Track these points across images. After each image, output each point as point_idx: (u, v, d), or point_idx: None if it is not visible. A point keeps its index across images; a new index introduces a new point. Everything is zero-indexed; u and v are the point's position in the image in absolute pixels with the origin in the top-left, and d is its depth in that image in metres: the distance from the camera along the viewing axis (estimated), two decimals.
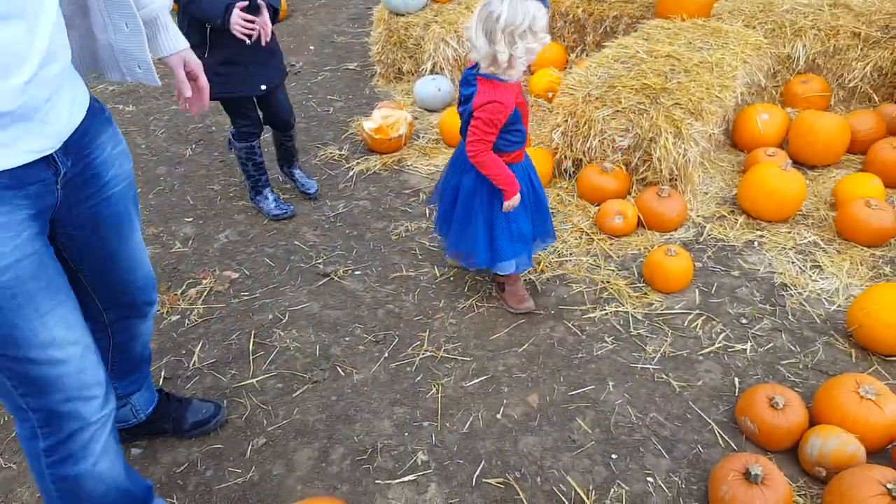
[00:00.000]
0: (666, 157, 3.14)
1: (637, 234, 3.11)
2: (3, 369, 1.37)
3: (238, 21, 2.64)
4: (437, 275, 2.94)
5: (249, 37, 2.70)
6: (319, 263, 3.06)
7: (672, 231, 3.11)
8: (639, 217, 3.11)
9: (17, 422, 1.49)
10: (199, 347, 2.59)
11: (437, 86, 4.44)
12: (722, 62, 3.51)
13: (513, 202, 2.32)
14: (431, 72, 4.62)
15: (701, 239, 3.05)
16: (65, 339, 1.39)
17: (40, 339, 1.34)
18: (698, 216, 3.20)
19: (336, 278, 2.95)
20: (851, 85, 3.90)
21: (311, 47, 5.79)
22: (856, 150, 3.55)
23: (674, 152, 3.13)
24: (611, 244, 3.06)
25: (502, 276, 2.62)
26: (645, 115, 3.19)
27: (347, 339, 2.61)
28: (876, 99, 3.88)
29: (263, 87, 3.01)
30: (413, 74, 4.80)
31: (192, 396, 2.27)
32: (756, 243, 3.00)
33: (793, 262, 2.85)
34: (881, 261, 2.83)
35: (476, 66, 2.18)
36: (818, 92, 3.88)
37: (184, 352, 2.58)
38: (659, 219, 3.08)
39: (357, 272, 2.99)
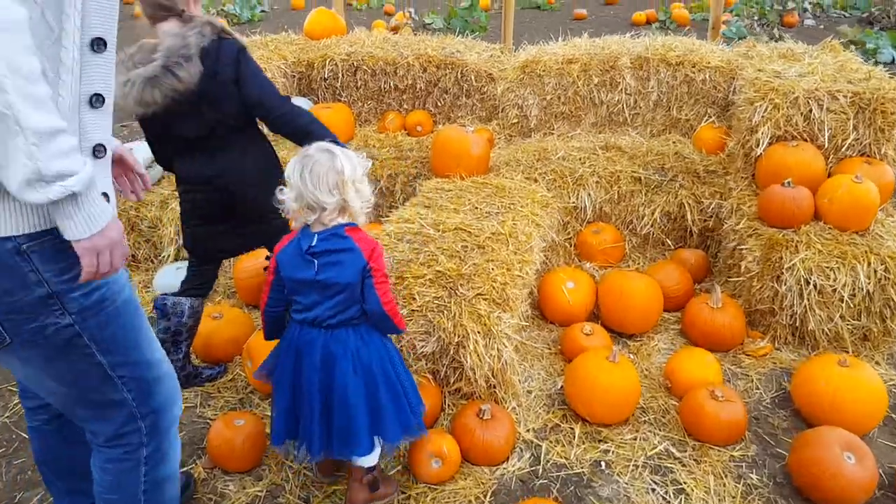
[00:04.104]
0: (480, 365, 2.48)
1: (462, 475, 2.35)
2: (123, 378, 1.59)
3: None
4: None
5: None
6: None
7: (502, 462, 2.41)
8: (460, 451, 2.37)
9: (123, 439, 1.65)
10: None
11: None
12: (515, 231, 3.02)
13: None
14: (176, 259, 3.64)
15: (540, 471, 2.37)
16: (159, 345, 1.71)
17: (151, 342, 1.65)
18: (528, 431, 2.55)
19: None
20: (644, 233, 3.68)
21: None
22: (667, 308, 3.23)
23: (487, 358, 2.48)
24: (433, 498, 2.26)
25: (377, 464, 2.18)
26: (446, 313, 2.52)
27: None
28: (669, 243, 3.69)
29: None
30: (152, 262, 3.76)
31: None
32: (603, 464, 2.40)
33: (652, 490, 2.27)
34: (743, 465, 2.37)
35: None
36: (612, 242, 3.59)
37: None
38: (485, 450, 2.36)
39: None
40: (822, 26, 9.58)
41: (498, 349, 2.51)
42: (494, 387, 2.58)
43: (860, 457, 2.15)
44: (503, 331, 2.54)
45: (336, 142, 2.17)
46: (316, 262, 1.94)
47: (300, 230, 2.01)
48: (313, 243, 1.95)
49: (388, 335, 2.16)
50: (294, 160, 1.94)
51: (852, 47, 7.55)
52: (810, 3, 10.54)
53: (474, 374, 2.50)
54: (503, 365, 2.53)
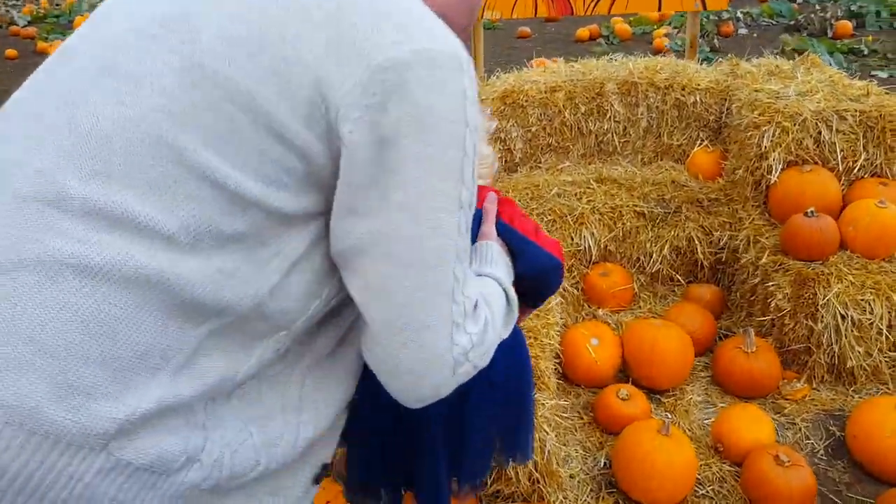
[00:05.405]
0: (522, 466, 2.20)
1: None
2: None
3: None
4: None
5: None
6: None
7: None
8: None
9: None
10: None
11: None
12: None
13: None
14: None
15: None
16: None
17: None
18: None
19: None
20: (653, 270, 3.47)
21: None
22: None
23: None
24: None
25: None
26: None
27: None
28: (679, 279, 3.50)
29: None
30: None
31: None
32: None
33: None
34: None
35: None
36: (622, 284, 3.37)
37: None
38: None
39: None
40: (755, 35, 9.76)
41: (540, 439, 2.24)
42: (537, 481, 2.30)
43: None
44: (543, 415, 2.28)
45: None
46: None
47: None
48: None
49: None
50: None
51: (796, 56, 7.63)
52: (742, 13, 10.69)
53: (516, 473, 2.22)
54: (547, 456, 2.26)
